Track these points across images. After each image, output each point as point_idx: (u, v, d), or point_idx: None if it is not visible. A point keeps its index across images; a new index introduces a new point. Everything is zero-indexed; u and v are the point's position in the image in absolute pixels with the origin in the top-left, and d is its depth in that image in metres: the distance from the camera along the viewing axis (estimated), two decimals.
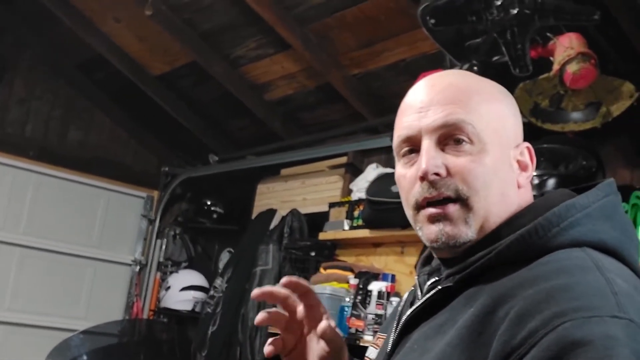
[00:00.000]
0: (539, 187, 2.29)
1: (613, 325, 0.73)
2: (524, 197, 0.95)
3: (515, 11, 2.07)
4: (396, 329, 0.98)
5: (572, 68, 2.02)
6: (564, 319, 0.73)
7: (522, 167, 0.96)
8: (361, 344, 2.89)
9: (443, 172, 0.90)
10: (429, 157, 0.91)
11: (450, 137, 0.92)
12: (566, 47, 2.03)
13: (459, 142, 0.91)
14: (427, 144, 0.92)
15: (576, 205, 0.87)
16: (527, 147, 0.97)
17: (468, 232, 0.90)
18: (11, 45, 4.30)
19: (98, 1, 3.74)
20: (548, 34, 2.13)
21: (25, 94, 4.40)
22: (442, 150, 0.92)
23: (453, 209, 0.91)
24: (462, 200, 0.90)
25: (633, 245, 0.89)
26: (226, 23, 3.49)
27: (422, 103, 0.94)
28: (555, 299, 0.76)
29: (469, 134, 0.91)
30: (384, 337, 1.06)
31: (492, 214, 0.91)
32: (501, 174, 0.92)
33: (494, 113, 0.94)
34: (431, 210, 0.92)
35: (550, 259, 0.83)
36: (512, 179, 0.94)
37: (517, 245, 0.85)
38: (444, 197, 0.91)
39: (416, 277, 1.03)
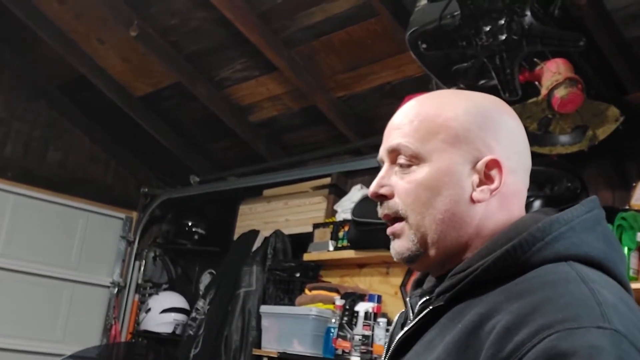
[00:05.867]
0: (526, 209, 2.33)
1: (598, 336, 0.74)
2: (490, 210, 0.94)
3: (503, 37, 2.12)
4: (387, 351, 0.99)
5: (560, 93, 2.07)
6: (550, 331, 0.75)
7: (484, 181, 0.94)
8: None
9: (385, 192, 0.97)
10: (378, 179, 0.98)
11: (396, 160, 0.97)
12: (554, 72, 2.08)
13: (402, 165, 0.96)
14: (385, 167, 0.99)
15: (560, 219, 0.88)
16: (491, 160, 0.94)
17: (411, 247, 0.95)
18: None
19: (82, 23, 3.72)
20: (535, 60, 2.19)
21: (6, 115, 4.36)
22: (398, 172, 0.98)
23: (398, 226, 0.97)
24: (405, 219, 0.96)
25: (618, 257, 0.90)
26: (213, 45, 3.49)
27: (388, 128, 1.01)
28: (541, 311, 0.77)
29: (406, 155, 0.96)
30: None
31: (437, 229, 0.93)
32: (443, 191, 0.93)
33: (438, 128, 0.95)
34: (388, 229, 0.99)
35: (536, 274, 0.84)
36: (459, 194, 0.93)
37: (503, 260, 0.86)
38: (393, 217, 0.97)
39: (408, 299, 1.05)
